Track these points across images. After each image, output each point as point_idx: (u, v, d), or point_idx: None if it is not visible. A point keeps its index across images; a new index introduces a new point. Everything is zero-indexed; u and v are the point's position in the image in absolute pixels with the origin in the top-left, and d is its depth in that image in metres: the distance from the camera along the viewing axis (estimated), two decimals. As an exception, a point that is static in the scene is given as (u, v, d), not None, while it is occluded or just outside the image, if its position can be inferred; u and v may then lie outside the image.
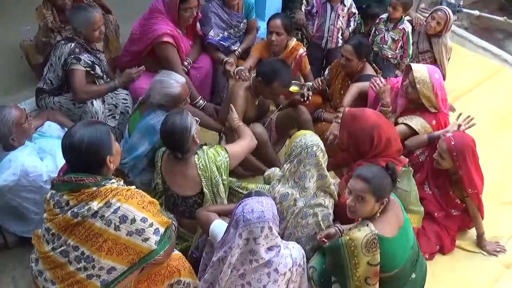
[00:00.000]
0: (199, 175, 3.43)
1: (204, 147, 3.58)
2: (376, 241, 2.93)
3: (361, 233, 2.96)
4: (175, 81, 3.86)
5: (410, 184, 3.71)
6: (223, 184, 3.53)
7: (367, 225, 2.99)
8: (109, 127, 2.77)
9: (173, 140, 3.37)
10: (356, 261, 2.96)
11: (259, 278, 2.79)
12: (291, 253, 2.88)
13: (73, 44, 4.15)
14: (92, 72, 4.24)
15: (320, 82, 4.86)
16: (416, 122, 4.14)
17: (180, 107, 3.87)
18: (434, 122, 4.13)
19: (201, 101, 4.67)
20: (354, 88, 4.52)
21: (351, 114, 3.78)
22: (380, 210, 3.05)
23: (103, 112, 4.32)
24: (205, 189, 3.46)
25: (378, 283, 3.02)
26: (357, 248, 2.94)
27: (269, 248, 2.79)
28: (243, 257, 2.76)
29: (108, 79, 4.46)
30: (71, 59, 4.10)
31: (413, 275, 3.24)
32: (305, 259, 3.01)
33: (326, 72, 5.02)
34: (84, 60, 4.16)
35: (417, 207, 3.84)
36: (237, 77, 4.69)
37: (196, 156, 3.46)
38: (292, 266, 2.85)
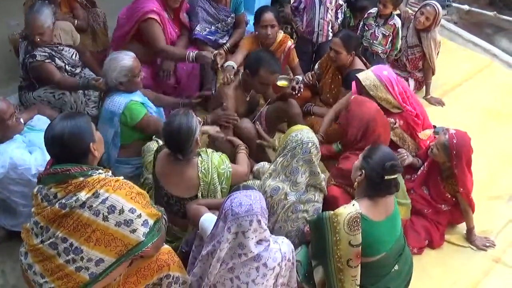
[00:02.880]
0: (199, 178, 3.36)
1: (208, 150, 3.50)
2: (359, 220, 2.95)
3: (346, 210, 2.99)
4: (125, 55, 3.90)
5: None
6: (222, 192, 3.46)
7: (353, 204, 3.03)
8: (89, 117, 2.76)
9: (178, 141, 3.26)
10: (338, 238, 2.98)
11: (248, 272, 2.79)
12: (280, 248, 2.87)
13: (26, 43, 4.17)
14: (53, 64, 4.24)
15: (310, 77, 4.87)
16: None
17: (137, 81, 3.90)
18: (401, 122, 4.14)
19: (191, 54, 4.45)
20: (331, 112, 4.48)
21: (359, 99, 3.91)
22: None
23: (82, 102, 4.32)
24: (199, 194, 3.37)
25: (359, 265, 3.03)
26: (339, 224, 2.96)
27: (258, 242, 2.78)
28: (232, 251, 2.75)
29: (79, 71, 4.47)
30: (28, 59, 4.15)
31: (396, 267, 3.23)
32: (294, 253, 3.01)
33: (317, 66, 5.01)
34: (39, 54, 4.17)
35: (404, 200, 3.88)
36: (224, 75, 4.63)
37: (199, 158, 3.39)
38: (281, 260, 2.85)
